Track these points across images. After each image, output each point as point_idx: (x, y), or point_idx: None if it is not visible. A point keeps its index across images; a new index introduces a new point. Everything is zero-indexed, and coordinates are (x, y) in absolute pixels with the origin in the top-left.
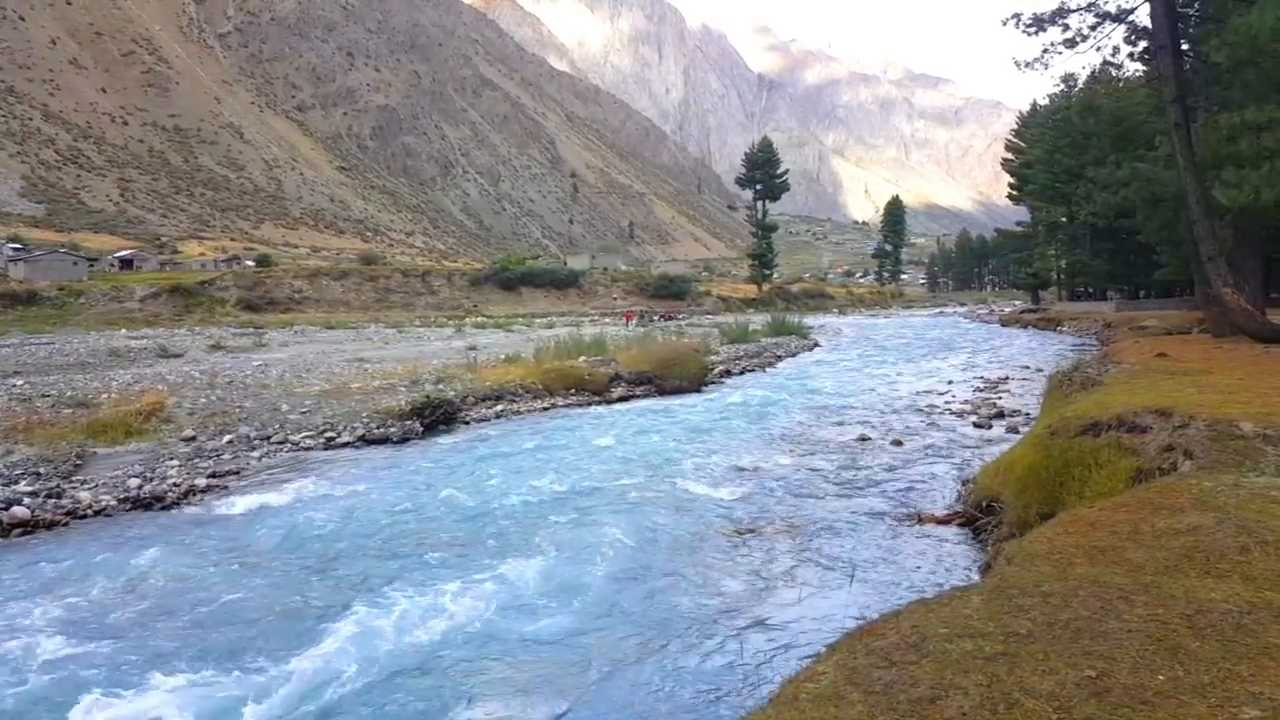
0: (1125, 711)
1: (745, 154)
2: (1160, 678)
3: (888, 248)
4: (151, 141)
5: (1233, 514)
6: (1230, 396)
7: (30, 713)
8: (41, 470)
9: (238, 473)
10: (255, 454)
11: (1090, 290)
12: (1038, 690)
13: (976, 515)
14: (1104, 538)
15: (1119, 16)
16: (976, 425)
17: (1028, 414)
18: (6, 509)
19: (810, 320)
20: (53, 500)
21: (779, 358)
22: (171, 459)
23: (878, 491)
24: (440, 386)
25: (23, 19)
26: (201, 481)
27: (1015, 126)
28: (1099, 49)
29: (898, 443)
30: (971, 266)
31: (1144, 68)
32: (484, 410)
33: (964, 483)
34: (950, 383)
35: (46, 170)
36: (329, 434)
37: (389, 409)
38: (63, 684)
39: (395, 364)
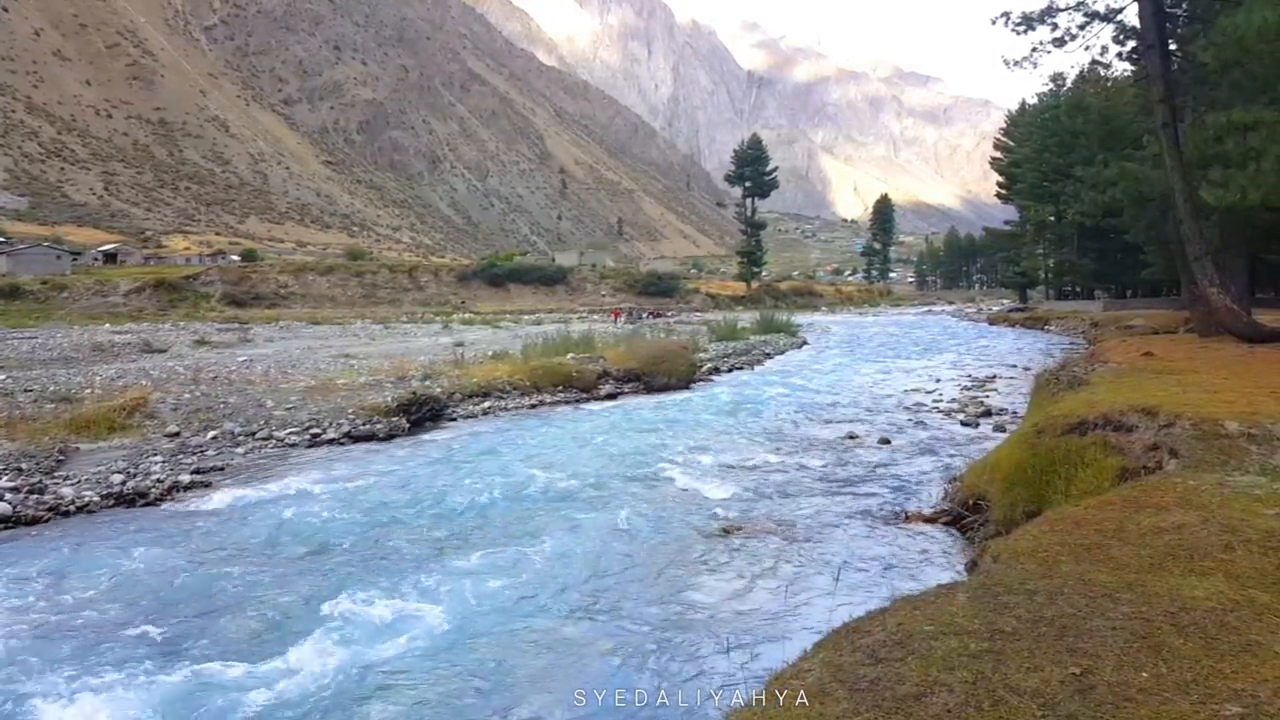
0: (1109, 709)
1: (734, 151)
2: (1144, 675)
3: (876, 246)
4: (136, 135)
5: (1217, 512)
6: (1215, 396)
7: (4, 710)
8: (24, 466)
9: (222, 469)
10: (240, 450)
11: (1077, 289)
12: (1022, 687)
13: (963, 513)
14: (1089, 536)
15: (1107, 16)
16: (963, 423)
17: (1014, 412)
18: None
19: (799, 318)
20: (35, 496)
21: (767, 355)
22: (155, 455)
23: (865, 490)
24: (427, 383)
25: (6, 10)
26: (185, 478)
27: (1004, 125)
28: (1088, 48)
29: (885, 441)
30: (959, 265)
31: (1132, 67)
32: (471, 407)
33: (950, 481)
34: (938, 381)
35: (30, 163)
36: (314, 430)
37: (375, 406)
38: (40, 681)
39: (382, 360)
